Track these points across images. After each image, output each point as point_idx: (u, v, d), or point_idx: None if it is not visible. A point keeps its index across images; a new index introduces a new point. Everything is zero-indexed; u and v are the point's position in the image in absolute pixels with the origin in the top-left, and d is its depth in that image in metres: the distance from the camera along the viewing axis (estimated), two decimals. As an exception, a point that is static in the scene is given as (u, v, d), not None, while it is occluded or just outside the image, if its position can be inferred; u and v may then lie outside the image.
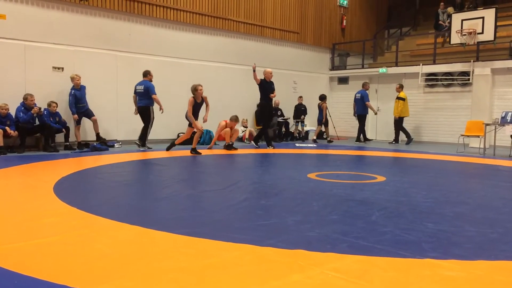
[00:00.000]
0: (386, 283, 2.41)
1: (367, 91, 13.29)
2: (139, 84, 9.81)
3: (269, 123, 11.02)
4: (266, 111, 10.67)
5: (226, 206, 4.25)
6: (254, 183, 5.68)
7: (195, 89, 9.04)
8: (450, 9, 14.90)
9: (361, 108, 13.13)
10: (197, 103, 9.17)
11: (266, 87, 10.35)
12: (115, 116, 10.62)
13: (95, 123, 9.89)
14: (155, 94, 9.62)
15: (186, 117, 9.27)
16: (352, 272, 2.55)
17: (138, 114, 9.85)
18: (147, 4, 10.95)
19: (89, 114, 9.87)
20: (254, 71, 10.14)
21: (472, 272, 2.61)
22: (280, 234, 3.29)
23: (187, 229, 3.33)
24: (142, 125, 9.85)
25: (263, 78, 10.43)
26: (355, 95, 13.34)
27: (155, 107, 9.79)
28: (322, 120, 13.24)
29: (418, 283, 2.42)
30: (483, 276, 2.55)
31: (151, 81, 9.84)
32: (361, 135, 13.29)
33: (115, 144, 10.25)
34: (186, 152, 9.27)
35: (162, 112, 9.78)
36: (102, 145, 9.71)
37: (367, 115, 13.37)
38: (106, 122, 10.43)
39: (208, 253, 2.84)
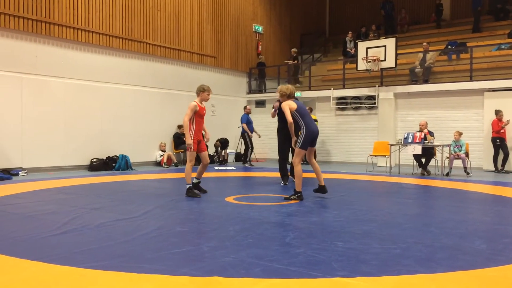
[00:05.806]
0: (297, 305, 2.45)
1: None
2: None
3: (284, 152, 8.34)
4: (280, 137, 8.32)
5: (139, 235, 4.09)
6: (170, 209, 5.55)
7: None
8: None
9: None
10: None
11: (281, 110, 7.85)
12: (20, 143, 9.88)
13: None
14: (244, 123, 12.83)
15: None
16: (265, 296, 2.57)
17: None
18: (55, 25, 10.45)
19: None
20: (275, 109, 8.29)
21: (377, 288, 2.74)
22: (194, 262, 3.23)
23: (95, 263, 3.16)
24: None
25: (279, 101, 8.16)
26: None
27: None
28: None
29: (327, 303, 2.49)
30: (387, 291, 2.70)
31: (248, 113, 13.11)
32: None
33: (19, 173, 9.53)
34: (98, 178, 8.84)
35: (251, 136, 12.98)
36: (5, 173, 8.98)
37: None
38: (9, 149, 9.67)
39: (118, 287, 2.70)
